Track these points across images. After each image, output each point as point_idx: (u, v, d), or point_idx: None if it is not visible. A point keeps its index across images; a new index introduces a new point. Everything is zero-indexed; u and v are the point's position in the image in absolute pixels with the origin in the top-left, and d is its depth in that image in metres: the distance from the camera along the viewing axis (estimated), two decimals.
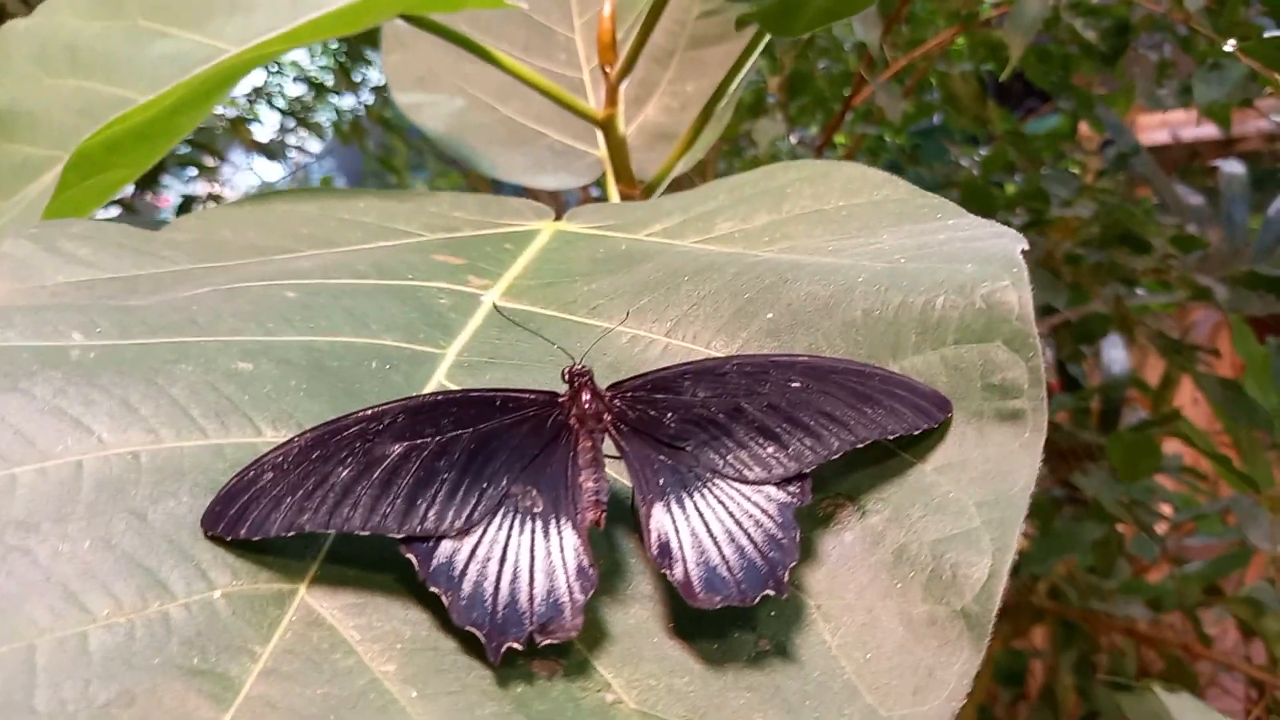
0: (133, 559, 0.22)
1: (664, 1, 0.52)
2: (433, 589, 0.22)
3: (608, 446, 0.25)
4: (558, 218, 0.45)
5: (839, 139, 1.42)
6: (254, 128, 1.67)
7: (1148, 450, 0.89)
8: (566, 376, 0.26)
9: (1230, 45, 0.74)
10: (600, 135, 0.63)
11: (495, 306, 0.32)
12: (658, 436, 0.25)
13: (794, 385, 0.25)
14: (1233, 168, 1.21)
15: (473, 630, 0.21)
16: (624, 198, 0.61)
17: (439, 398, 0.25)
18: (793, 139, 1.27)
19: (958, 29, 1.00)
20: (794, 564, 0.22)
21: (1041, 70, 1.04)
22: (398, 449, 0.24)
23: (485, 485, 0.23)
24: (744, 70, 0.59)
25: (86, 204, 0.44)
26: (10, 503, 0.22)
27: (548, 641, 0.21)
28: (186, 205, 1.42)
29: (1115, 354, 1.20)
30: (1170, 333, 1.18)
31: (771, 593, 0.22)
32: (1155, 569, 1.23)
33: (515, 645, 0.21)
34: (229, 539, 0.22)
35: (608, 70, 0.56)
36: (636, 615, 0.23)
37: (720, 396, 0.25)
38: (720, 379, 0.25)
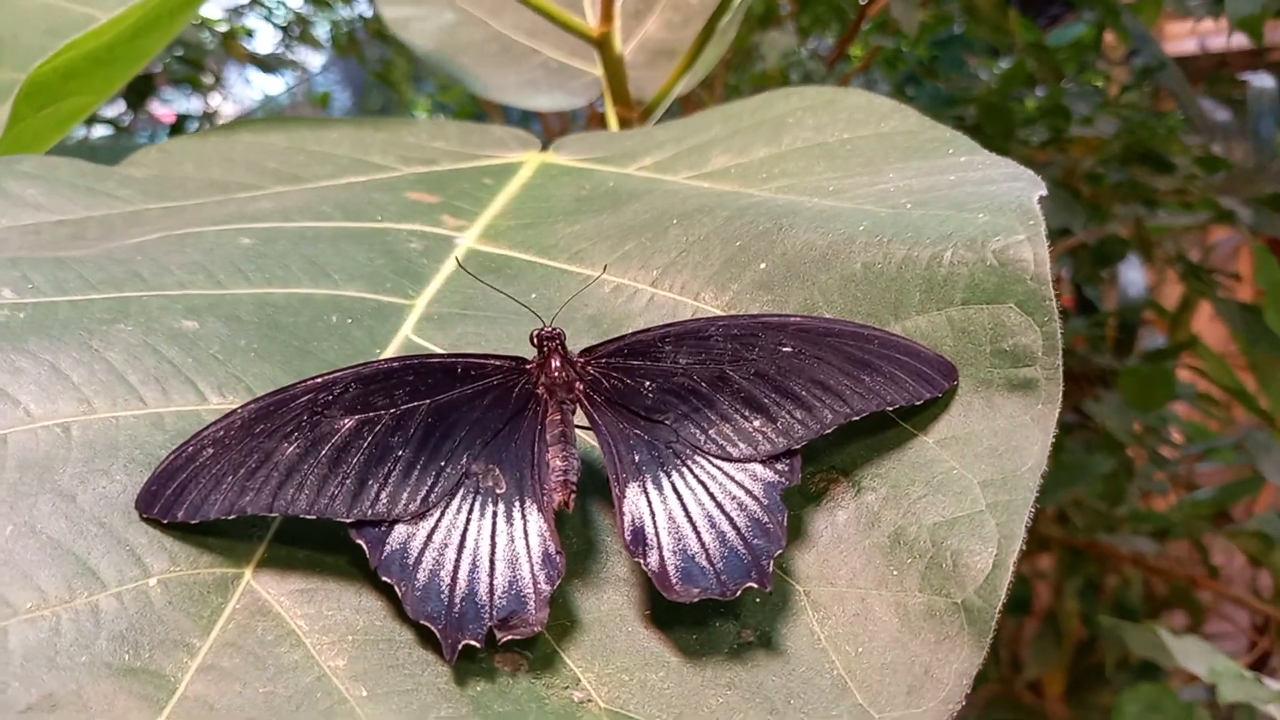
0: (59, 545, 0.20)
1: None
2: (385, 578, 0.20)
3: (579, 418, 0.23)
4: (544, 148, 0.43)
5: (854, 50, 1.36)
6: (251, 41, 1.62)
7: (1162, 381, 0.86)
8: (535, 340, 0.24)
9: None
10: (598, 53, 0.60)
11: (458, 262, 0.30)
12: (634, 408, 0.23)
13: (785, 350, 0.23)
14: (1262, 81, 1.16)
15: (427, 625, 0.20)
16: (621, 121, 0.58)
17: (394, 364, 0.23)
18: (804, 50, 1.22)
19: None
20: (780, 552, 0.20)
21: None
22: (348, 423, 0.22)
23: (443, 463, 0.21)
24: None
25: (46, 135, 0.42)
26: None
27: (509, 638, 0.20)
28: (179, 125, 1.38)
29: (1132, 276, 1.17)
30: (1190, 254, 1.15)
31: (754, 585, 0.20)
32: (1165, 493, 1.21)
33: (473, 643, 0.19)
34: (165, 522, 0.21)
35: None
36: (610, 601, 0.22)
37: (703, 363, 0.23)
38: (704, 343, 0.23)
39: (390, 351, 0.27)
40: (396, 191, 0.36)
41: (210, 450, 0.21)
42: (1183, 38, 2.00)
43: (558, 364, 0.23)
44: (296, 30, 1.62)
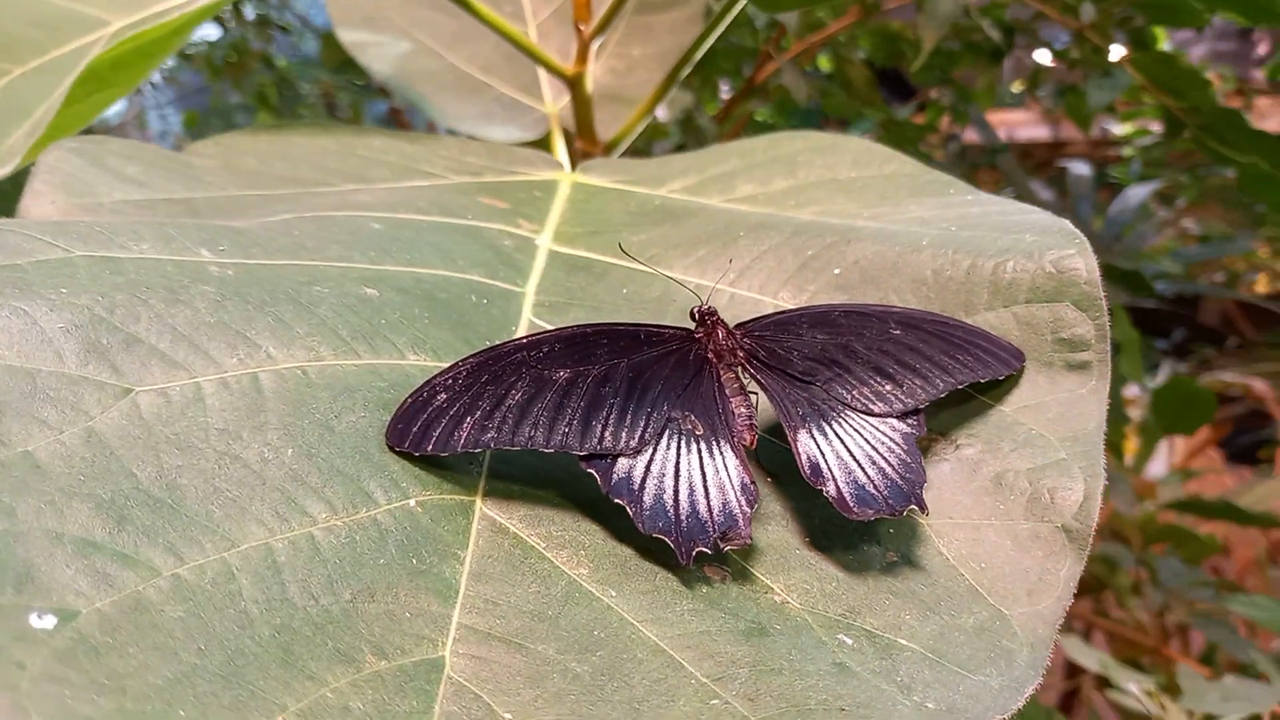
0: (334, 467, 0.22)
1: None
2: (616, 500, 0.24)
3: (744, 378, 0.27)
4: (573, 168, 0.47)
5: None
6: None
7: None
8: (697, 315, 0.28)
9: (1117, 54, 0.82)
10: (547, 92, 0.65)
11: (619, 246, 0.34)
12: (789, 372, 0.27)
13: (895, 333, 0.28)
14: (1079, 168, 1.34)
15: (660, 536, 0.23)
16: (584, 155, 0.62)
17: (588, 330, 0.26)
18: (668, 115, 1.30)
19: (857, 15, 1.05)
20: (925, 484, 0.25)
21: (927, 64, 1.11)
22: (564, 374, 0.25)
23: (649, 409, 0.25)
24: (713, 35, 0.61)
25: (82, 119, 0.42)
26: (203, 411, 0.22)
27: (728, 548, 0.24)
28: None
29: None
30: None
31: (915, 507, 0.25)
32: None
33: (704, 549, 0.23)
34: (416, 454, 0.23)
35: (582, 28, 0.58)
36: (774, 532, 0.26)
37: (835, 339, 0.28)
38: (832, 323, 0.28)
39: (520, 330, 0.31)
40: (470, 196, 0.39)
41: (443, 395, 0.24)
42: (995, 127, 2.24)
43: (723, 334, 0.27)
44: None
